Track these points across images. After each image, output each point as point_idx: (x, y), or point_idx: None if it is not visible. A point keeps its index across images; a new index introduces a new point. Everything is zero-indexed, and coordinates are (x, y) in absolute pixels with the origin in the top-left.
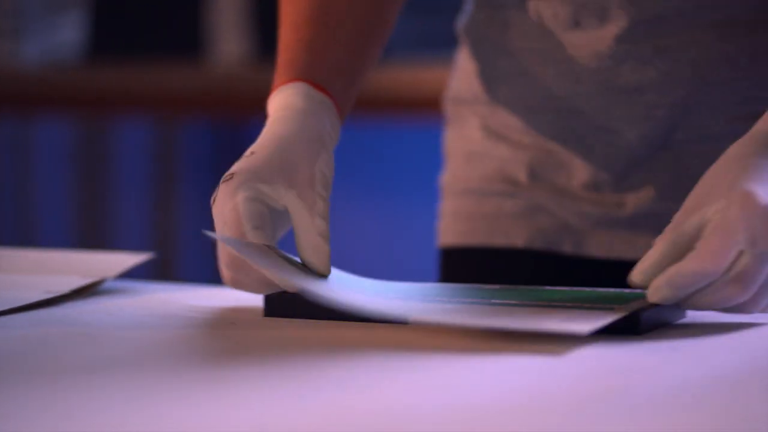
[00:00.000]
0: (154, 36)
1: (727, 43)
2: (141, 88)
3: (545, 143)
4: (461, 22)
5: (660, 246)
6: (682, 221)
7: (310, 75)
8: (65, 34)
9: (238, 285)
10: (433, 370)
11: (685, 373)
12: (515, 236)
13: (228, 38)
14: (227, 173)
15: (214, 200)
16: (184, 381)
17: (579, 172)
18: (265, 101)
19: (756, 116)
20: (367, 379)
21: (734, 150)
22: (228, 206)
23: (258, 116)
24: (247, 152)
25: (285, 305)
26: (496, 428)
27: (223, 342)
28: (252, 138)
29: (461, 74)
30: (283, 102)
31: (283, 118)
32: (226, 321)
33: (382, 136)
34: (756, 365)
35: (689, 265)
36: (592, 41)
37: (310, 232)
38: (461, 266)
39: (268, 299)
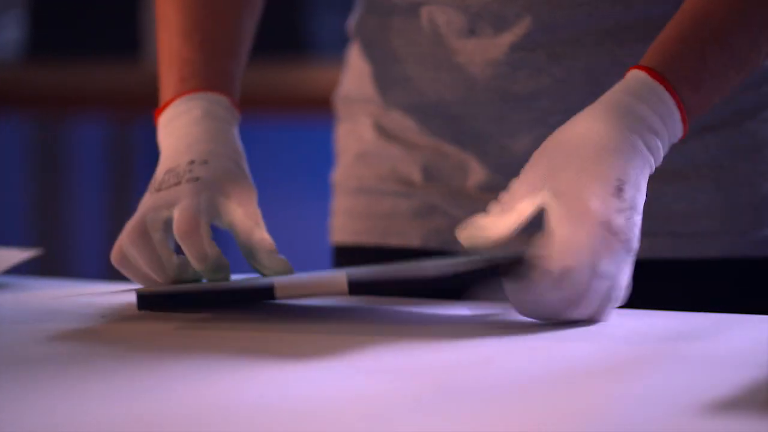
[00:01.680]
0: (92, 36)
1: (620, 50)
2: (83, 87)
3: (439, 145)
4: (352, 21)
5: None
6: (520, 198)
7: (211, 84)
8: (5, 34)
9: (123, 269)
10: (246, 371)
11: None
12: (410, 236)
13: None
14: (189, 176)
15: (157, 190)
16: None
17: (474, 173)
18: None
19: None
20: (188, 376)
21: (584, 119)
22: (191, 202)
23: None
24: (198, 160)
25: (156, 299)
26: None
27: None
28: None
29: (352, 73)
30: (200, 111)
31: (214, 130)
32: (96, 315)
33: (280, 134)
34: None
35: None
36: (487, 49)
37: (263, 251)
38: (355, 264)
39: (140, 295)
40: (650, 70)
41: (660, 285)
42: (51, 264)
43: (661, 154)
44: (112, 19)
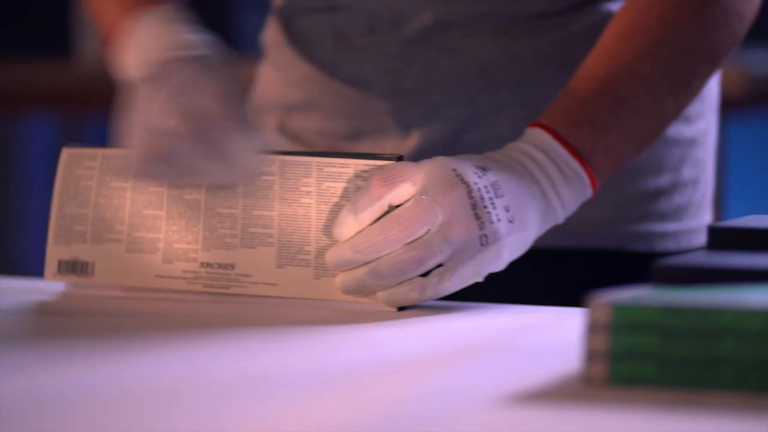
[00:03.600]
0: (22, 34)
1: (513, 45)
2: (11, 86)
3: (338, 144)
4: (264, 30)
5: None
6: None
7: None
8: None
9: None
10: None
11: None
12: None
13: (96, 37)
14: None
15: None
16: None
17: None
18: None
19: (540, 113)
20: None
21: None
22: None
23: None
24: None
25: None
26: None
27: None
28: None
29: (263, 80)
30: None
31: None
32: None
33: None
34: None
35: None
36: (382, 45)
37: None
38: None
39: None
40: (553, 132)
41: (540, 274)
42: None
43: (558, 207)
44: (43, 18)
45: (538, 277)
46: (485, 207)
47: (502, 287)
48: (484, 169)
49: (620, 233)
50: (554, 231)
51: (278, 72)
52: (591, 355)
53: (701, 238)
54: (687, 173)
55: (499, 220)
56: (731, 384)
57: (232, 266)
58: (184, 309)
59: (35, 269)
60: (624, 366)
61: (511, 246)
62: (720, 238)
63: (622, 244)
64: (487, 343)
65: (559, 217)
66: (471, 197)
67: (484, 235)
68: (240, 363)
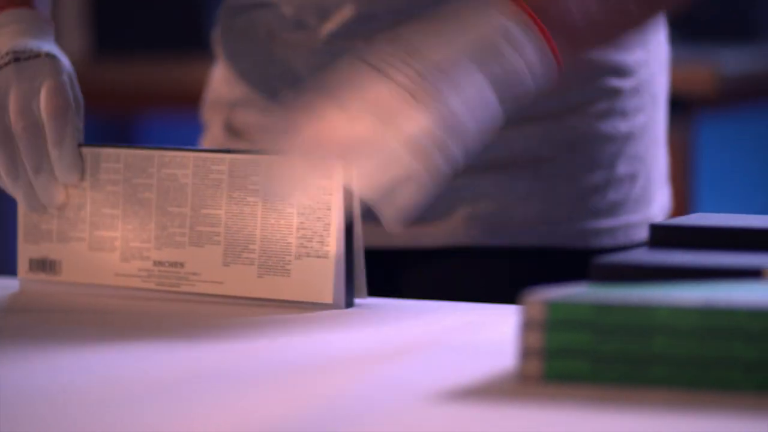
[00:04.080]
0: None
1: None
2: None
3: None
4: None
5: None
6: None
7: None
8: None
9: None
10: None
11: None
12: None
13: (66, 34)
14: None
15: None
16: None
17: None
18: (104, 97)
19: None
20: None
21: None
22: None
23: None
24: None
25: None
26: None
27: None
28: (102, 130)
29: (213, 77)
30: (22, 26)
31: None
32: None
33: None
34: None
35: None
36: (309, 40)
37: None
38: None
39: None
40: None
41: (476, 273)
42: None
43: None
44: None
45: (475, 276)
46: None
47: (438, 286)
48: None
49: (555, 231)
50: (489, 229)
51: (223, 68)
52: (525, 352)
53: (642, 233)
54: (622, 169)
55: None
56: (664, 381)
57: (182, 264)
58: (139, 307)
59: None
60: (558, 363)
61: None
62: (661, 235)
63: (557, 241)
64: (427, 340)
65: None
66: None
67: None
68: (183, 360)
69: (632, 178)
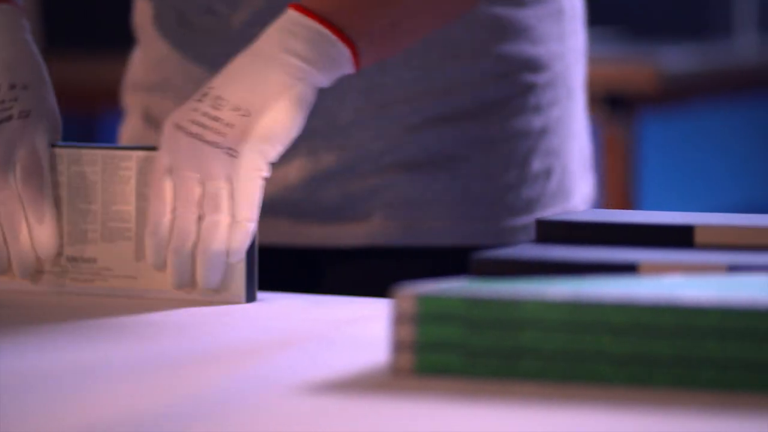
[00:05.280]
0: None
1: None
2: None
3: None
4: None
5: None
6: None
7: None
8: None
9: None
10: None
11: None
12: None
13: None
14: (19, 108)
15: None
16: None
17: None
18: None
19: (383, 104)
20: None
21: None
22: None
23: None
24: (18, 84)
25: None
26: None
27: None
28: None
29: (133, 62)
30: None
31: (20, 43)
32: None
33: None
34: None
35: None
36: (223, 26)
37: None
38: None
39: None
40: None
41: (390, 272)
42: None
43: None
44: None
45: (395, 276)
46: (209, 126)
47: (359, 286)
48: (205, 94)
49: (472, 230)
50: (407, 229)
51: (142, 52)
52: (397, 346)
53: None
54: (537, 165)
55: (229, 125)
56: (534, 374)
57: (95, 260)
58: (54, 302)
59: None
60: (429, 356)
61: (263, 134)
62: (547, 231)
63: (475, 240)
64: (314, 334)
65: (316, 77)
66: (192, 134)
67: (229, 149)
68: (59, 354)
69: (547, 173)
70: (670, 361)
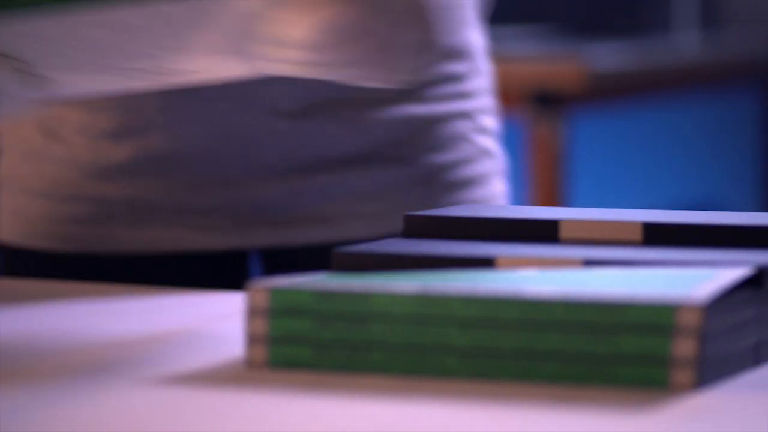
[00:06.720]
0: None
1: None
2: None
3: (99, 143)
4: None
5: None
6: None
7: None
8: None
9: None
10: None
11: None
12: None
13: None
14: None
15: None
16: None
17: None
18: None
19: (300, 113)
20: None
21: None
22: None
23: None
24: None
25: None
26: None
27: None
28: None
29: None
30: None
31: None
32: None
33: None
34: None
35: None
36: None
37: None
38: (26, 268)
39: None
40: None
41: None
42: None
43: None
44: None
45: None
46: None
47: None
48: None
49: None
50: (346, 225)
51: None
52: (251, 339)
53: None
54: (469, 150)
55: None
56: (381, 367)
57: None
58: None
59: None
60: (282, 349)
61: None
62: (414, 225)
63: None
64: (183, 329)
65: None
66: None
67: None
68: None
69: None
70: (514, 354)
